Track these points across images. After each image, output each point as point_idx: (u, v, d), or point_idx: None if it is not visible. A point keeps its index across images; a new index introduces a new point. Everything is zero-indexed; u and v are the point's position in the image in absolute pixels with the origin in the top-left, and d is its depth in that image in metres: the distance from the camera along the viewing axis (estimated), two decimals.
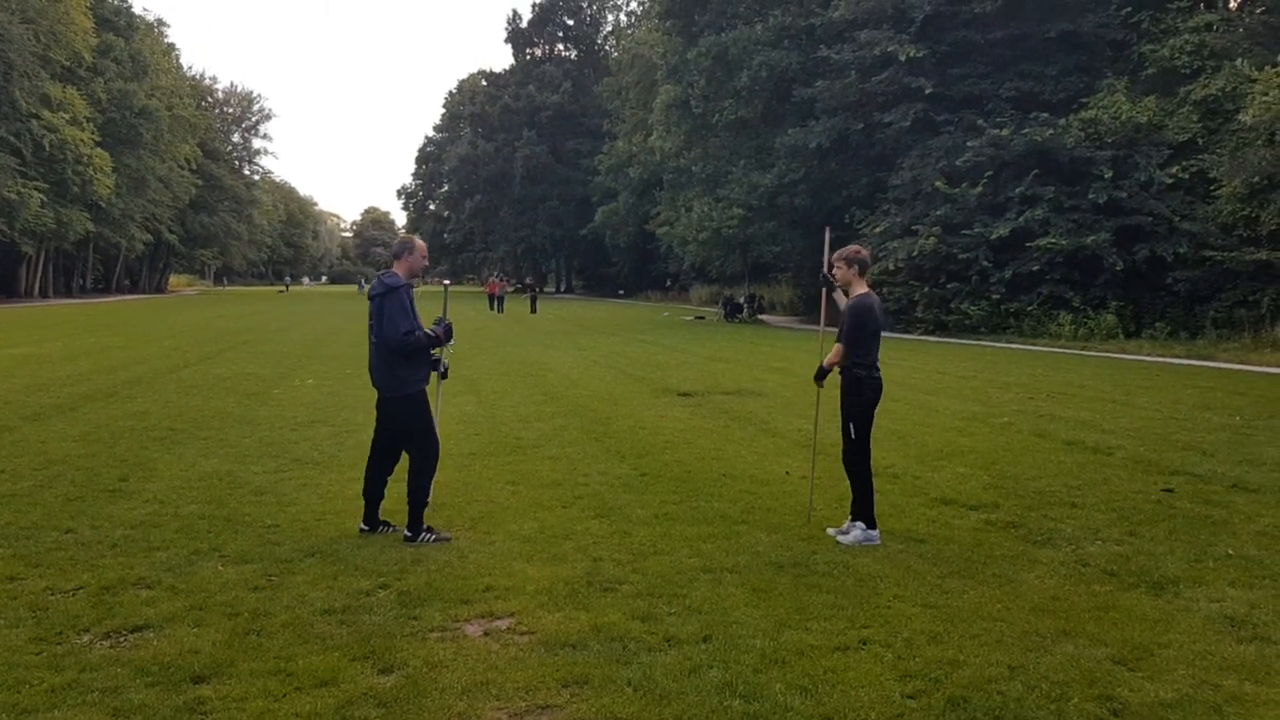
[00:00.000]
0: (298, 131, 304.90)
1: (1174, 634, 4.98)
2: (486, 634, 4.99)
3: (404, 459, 6.98)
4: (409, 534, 6.68)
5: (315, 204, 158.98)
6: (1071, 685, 4.35)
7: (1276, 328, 24.10)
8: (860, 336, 6.75)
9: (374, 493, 6.92)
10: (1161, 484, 8.54)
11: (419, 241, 6.95)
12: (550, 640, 4.87)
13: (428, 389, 6.95)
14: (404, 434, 6.89)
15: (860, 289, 6.89)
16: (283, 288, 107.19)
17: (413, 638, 4.91)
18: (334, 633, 4.96)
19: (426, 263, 7.00)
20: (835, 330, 7.04)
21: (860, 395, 6.79)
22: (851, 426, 6.79)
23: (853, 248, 7.02)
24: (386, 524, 6.92)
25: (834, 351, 6.84)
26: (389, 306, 6.60)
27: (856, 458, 6.79)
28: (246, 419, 12.16)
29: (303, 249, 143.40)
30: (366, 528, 6.89)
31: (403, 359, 6.68)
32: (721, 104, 40.17)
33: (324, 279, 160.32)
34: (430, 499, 6.95)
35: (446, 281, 8.32)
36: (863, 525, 6.71)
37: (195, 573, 5.91)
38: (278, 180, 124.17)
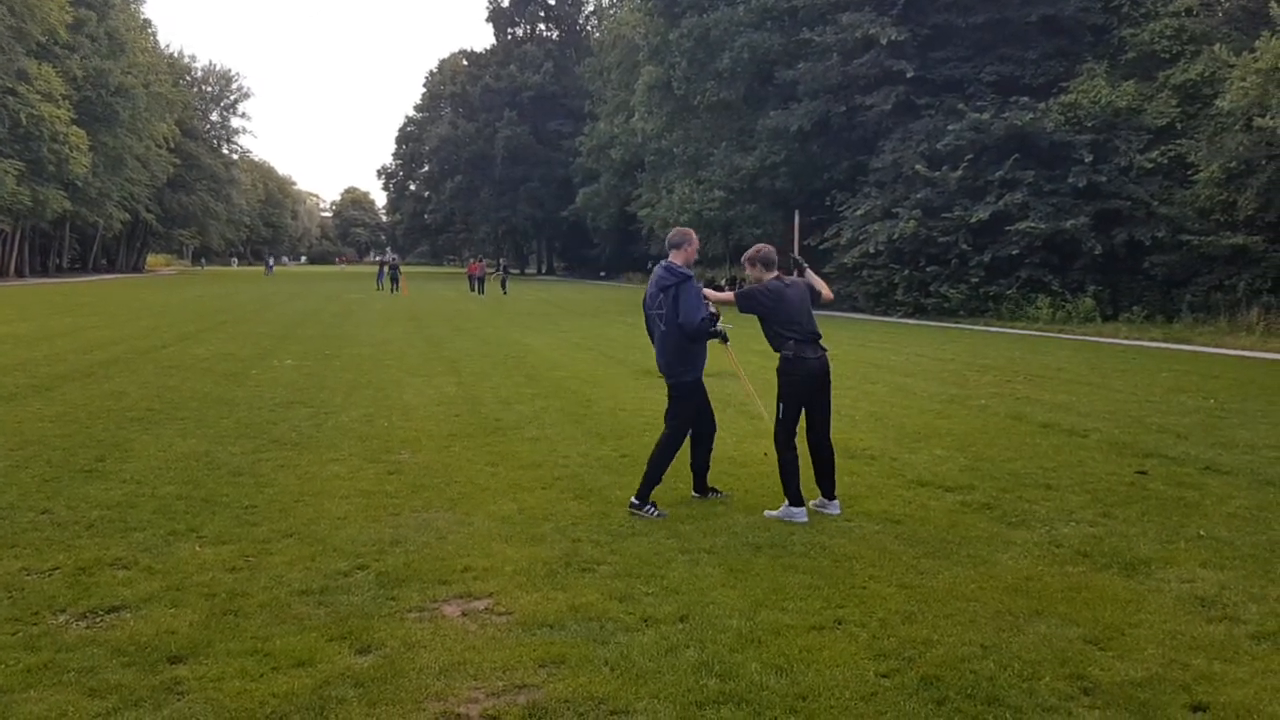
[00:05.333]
0: (277, 111, 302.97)
1: (1145, 614, 5.04)
2: (464, 614, 5.00)
3: (716, 429, 7.52)
4: (634, 501, 7.01)
5: (294, 183, 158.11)
6: (1043, 664, 4.40)
7: (1251, 312, 24.29)
8: (746, 309, 7.10)
9: (697, 464, 7.41)
10: (1135, 466, 8.62)
11: (693, 234, 7.32)
12: (528, 620, 4.89)
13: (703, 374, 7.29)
14: (668, 413, 7.32)
15: (768, 277, 7.14)
16: (266, 268, 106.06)
17: (390, 618, 4.92)
18: (311, 613, 4.97)
19: (697, 255, 7.44)
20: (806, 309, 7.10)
21: (786, 375, 6.97)
22: (781, 406, 6.99)
23: (751, 249, 7.31)
24: (715, 490, 7.46)
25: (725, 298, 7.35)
26: (685, 295, 6.93)
27: (780, 436, 6.97)
28: (224, 400, 12.11)
29: (282, 229, 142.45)
30: (696, 494, 7.43)
31: (690, 345, 7.05)
32: (703, 85, 40.02)
33: (303, 259, 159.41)
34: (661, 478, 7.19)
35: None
36: (787, 502, 6.90)
37: (172, 553, 5.90)
38: (256, 160, 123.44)
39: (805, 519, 6.77)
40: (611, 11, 78.21)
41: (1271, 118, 21.87)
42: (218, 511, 6.87)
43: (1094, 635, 4.75)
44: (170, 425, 10.27)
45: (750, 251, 7.28)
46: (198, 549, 6.00)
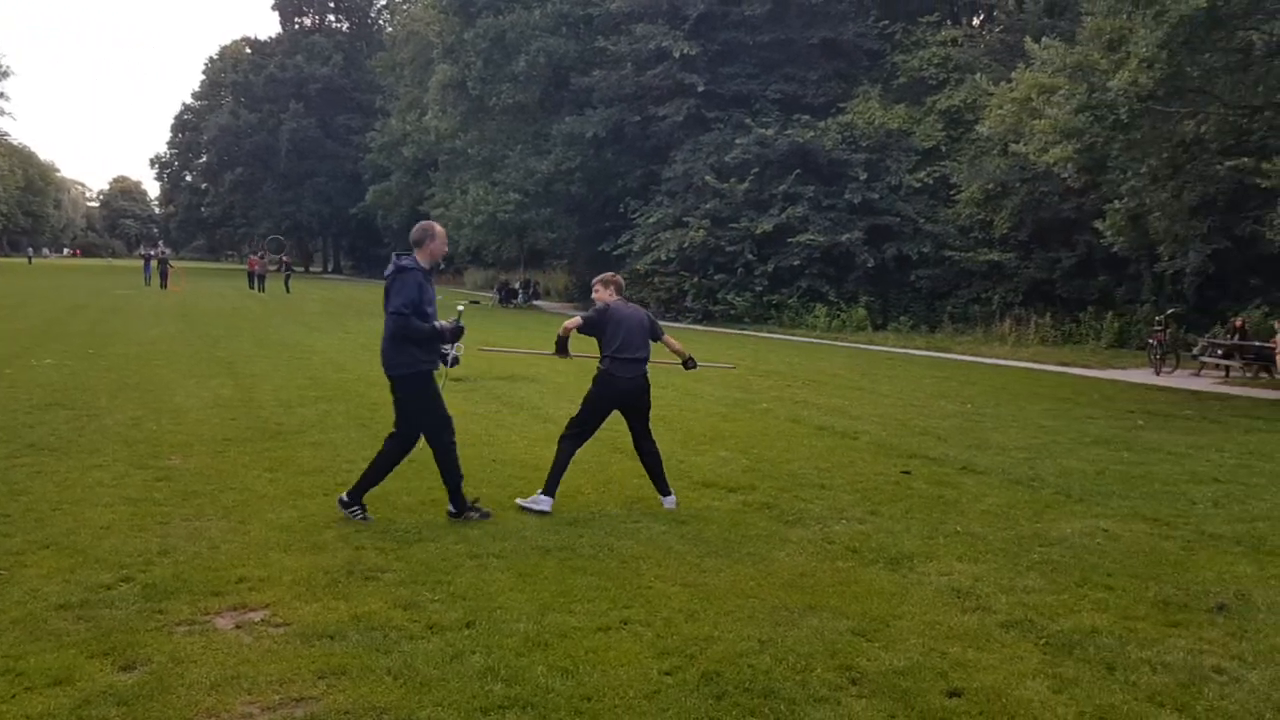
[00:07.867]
0: (39, 91, 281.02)
1: (908, 606, 5.36)
2: (238, 626, 4.80)
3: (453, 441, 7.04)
4: (343, 498, 6.78)
5: (58, 170, 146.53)
6: (815, 657, 4.62)
7: (1004, 323, 26.32)
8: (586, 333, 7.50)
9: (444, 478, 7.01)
10: (901, 466, 9.16)
11: (439, 228, 6.91)
12: (307, 631, 4.74)
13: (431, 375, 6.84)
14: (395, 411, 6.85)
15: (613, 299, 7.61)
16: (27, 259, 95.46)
17: (157, 632, 4.67)
18: (70, 629, 4.66)
19: (446, 249, 6.99)
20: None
21: (596, 386, 7.44)
22: (582, 406, 7.48)
23: (608, 274, 7.90)
24: (474, 508, 6.96)
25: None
26: (396, 287, 6.59)
27: (566, 429, 7.46)
28: None
29: (43, 219, 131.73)
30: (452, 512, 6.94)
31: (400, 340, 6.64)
32: (499, 87, 39.81)
33: (65, 251, 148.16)
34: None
35: (461, 306, 7.75)
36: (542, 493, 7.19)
37: None
38: (15, 144, 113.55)
39: (545, 508, 7.04)
40: (405, 6, 76.61)
41: (1024, 144, 23.67)
42: None
43: (862, 627, 5.02)
44: None
45: (605, 275, 7.79)
46: None
